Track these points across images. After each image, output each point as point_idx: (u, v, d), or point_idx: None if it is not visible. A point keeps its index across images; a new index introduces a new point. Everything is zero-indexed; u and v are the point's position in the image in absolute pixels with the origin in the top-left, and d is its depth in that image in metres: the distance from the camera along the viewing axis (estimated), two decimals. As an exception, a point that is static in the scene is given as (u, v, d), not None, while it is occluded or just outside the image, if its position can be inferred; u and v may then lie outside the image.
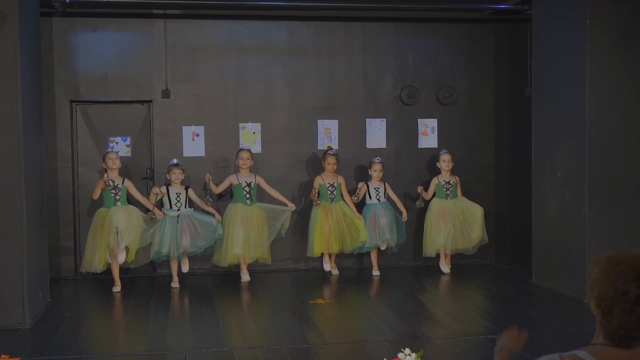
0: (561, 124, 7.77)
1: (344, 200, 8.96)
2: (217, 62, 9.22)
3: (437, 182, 9.16)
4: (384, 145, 9.55)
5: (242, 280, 8.55)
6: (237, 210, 8.57)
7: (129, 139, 9.17)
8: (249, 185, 8.67)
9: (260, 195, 8.86)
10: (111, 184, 8.13)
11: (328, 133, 9.45)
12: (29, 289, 6.71)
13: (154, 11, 9.06)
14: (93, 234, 8.19)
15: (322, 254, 8.94)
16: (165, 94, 9.09)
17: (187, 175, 8.80)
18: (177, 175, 8.47)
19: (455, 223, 8.97)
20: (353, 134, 9.49)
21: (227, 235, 8.48)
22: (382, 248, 8.97)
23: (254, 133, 9.28)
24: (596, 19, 7.27)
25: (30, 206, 6.81)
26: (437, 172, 9.28)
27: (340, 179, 8.99)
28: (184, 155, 9.08)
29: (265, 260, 8.76)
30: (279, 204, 8.83)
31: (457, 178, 9.23)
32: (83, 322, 6.88)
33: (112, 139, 9.11)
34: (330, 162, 8.91)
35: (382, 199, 9.04)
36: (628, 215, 7.41)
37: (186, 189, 8.55)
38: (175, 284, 8.41)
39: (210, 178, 8.63)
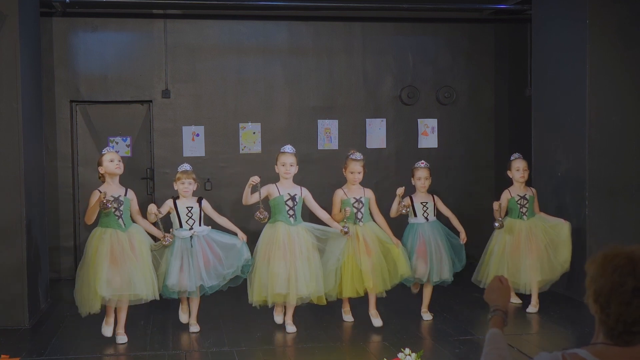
0: (561, 124, 7.77)
1: (373, 221, 6.73)
2: (217, 62, 9.22)
3: (510, 196, 7.17)
4: (384, 145, 9.55)
5: (287, 331, 6.42)
6: (278, 233, 6.33)
7: (129, 139, 9.17)
8: (292, 198, 6.43)
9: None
10: (110, 205, 5.98)
11: (328, 133, 9.46)
12: (29, 289, 6.71)
13: (154, 11, 9.07)
14: (85, 266, 6.06)
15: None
16: (165, 94, 9.09)
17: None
18: (186, 187, 6.37)
19: (536, 250, 7.01)
20: (353, 134, 9.49)
21: (266, 268, 6.29)
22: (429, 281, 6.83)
23: (254, 133, 9.28)
24: (596, 19, 7.27)
25: (30, 206, 6.81)
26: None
27: (369, 193, 6.71)
28: (184, 155, 9.08)
29: (321, 301, 6.49)
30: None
31: (533, 190, 7.31)
32: (83, 322, 6.86)
33: (112, 139, 9.12)
34: (353, 170, 6.62)
35: (431, 217, 6.83)
36: (628, 215, 7.41)
37: (199, 201, 6.48)
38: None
39: (258, 182, 6.34)
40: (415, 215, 6.81)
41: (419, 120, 9.64)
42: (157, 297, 6.20)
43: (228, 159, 9.19)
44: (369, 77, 9.53)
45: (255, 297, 6.37)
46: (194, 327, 6.47)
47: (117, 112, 9.19)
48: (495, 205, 7.03)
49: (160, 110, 9.13)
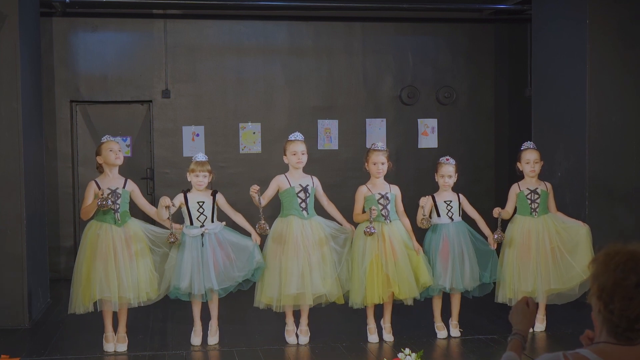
0: (561, 124, 7.77)
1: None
2: (217, 62, 9.23)
3: (518, 190, 6.38)
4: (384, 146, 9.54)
5: (300, 342, 6.06)
6: (290, 228, 5.87)
7: (129, 139, 9.18)
8: (304, 190, 5.95)
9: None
10: (109, 204, 5.64)
11: (328, 133, 9.46)
12: (29, 289, 6.71)
13: (154, 11, 9.07)
14: (80, 265, 5.78)
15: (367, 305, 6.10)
16: (165, 94, 9.09)
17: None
18: (200, 179, 5.85)
19: (547, 252, 6.21)
20: (353, 134, 9.49)
21: (278, 266, 5.86)
22: (450, 290, 6.22)
23: (254, 133, 9.28)
24: (596, 19, 7.27)
25: (30, 206, 6.82)
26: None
27: (395, 189, 6.14)
28: (183, 155, 9.09)
29: (338, 300, 6.07)
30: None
31: (548, 185, 6.44)
32: (83, 322, 6.86)
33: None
34: (376, 162, 6.06)
35: (456, 217, 6.19)
36: (628, 215, 7.41)
37: (213, 194, 5.94)
38: (196, 339, 6.03)
39: (259, 190, 5.81)
40: (438, 215, 6.16)
41: (419, 120, 9.64)
42: (149, 301, 5.86)
43: (228, 159, 9.19)
44: (369, 77, 9.53)
45: (262, 297, 5.91)
46: (213, 338, 6.07)
47: (117, 112, 9.19)
48: (495, 212, 6.18)
49: (160, 110, 9.13)
